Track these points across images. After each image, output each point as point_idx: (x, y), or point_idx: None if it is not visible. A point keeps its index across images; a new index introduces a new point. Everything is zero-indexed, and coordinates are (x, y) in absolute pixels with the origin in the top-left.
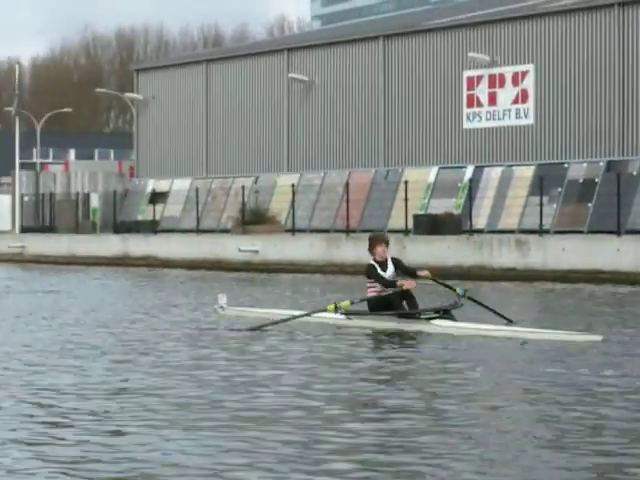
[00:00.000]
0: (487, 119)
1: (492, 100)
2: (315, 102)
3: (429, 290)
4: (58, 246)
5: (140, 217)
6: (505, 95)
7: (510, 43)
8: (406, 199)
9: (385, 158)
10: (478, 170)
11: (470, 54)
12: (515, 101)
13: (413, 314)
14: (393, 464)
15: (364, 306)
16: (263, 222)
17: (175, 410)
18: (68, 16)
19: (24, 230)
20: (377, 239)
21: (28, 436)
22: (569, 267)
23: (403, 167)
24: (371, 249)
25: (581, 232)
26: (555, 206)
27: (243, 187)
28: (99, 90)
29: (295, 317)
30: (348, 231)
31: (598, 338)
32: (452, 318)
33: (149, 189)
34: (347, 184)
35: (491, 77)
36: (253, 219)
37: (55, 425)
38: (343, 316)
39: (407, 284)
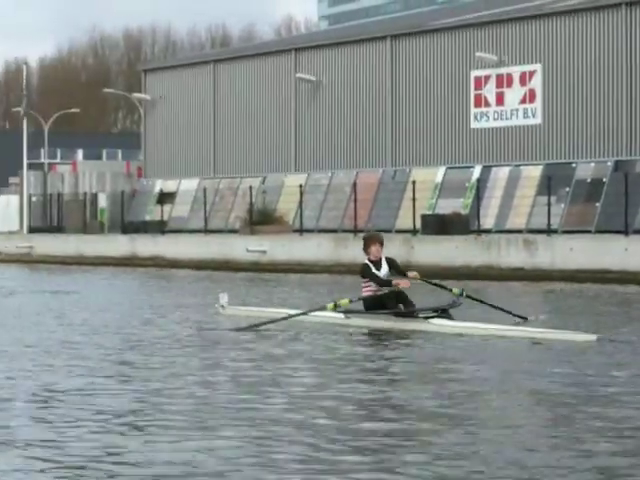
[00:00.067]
0: (495, 119)
1: (500, 100)
2: (322, 102)
3: (429, 289)
4: (66, 246)
5: (148, 217)
6: (513, 95)
7: (517, 43)
8: (414, 199)
9: (393, 158)
10: (486, 170)
11: (478, 54)
12: (523, 101)
13: (411, 313)
14: (402, 464)
15: (360, 305)
16: (271, 222)
17: (182, 411)
18: (76, 16)
19: (32, 230)
20: (371, 239)
21: (32, 437)
22: (577, 267)
23: (411, 167)
24: (366, 249)
25: (589, 232)
26: (563, 206)
27: (251, 187)
28: (107, 90)
29: (292, 316)
30: (356, 231)
31: (592, 337)
32: (450, 317)
33: (157, 189)
34: (355, 184)
35: (499, 77)
36: (261, 219)
37: (64, 426)
38: (341, 315)
39: (403, 283)
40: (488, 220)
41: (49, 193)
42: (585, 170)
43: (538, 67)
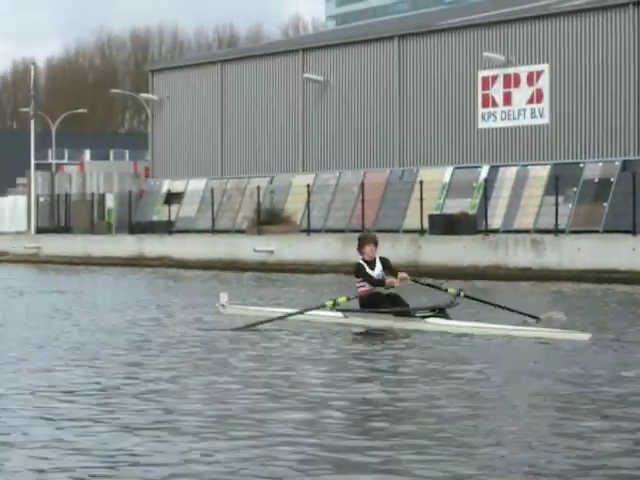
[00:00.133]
0: (502, 119)
1: (507, 100)
2: (330, 102)
3: (427, 289)
4: (73, 247)
5: (155, 217)
6: (520, 95)
7: (525, 43)
8: (421, 199)
9: (400, 158)
10: (493, 170)
11: (485, 54)
12: (530, 101)
13: (409, 312)
14: (409, 463)
15: (357, 304)
16: (278, 222)
17: (190, 411)
18: (83, 17)
19: (40, 231)
20: (366, 239)
21: (40, 436)
22: (584, 267)
23: (418, 167)
24: (360, 248)
25: (597, 232)
26: (570, 206)
27: (258, 187)
28: (114, 91)
29: (291, 314)
30: (363, 231)
31: (586, 337)
32: (447, 317)
33: (164, 189)
34: (362, 184)
35: (506, 77)
36: (268, 219)
37: (70, 426)
38: (340, 314)
39: (396, 282)
40: (496, 220)
41: (57, 193)
42: (593, 170)
43: (545, 67)
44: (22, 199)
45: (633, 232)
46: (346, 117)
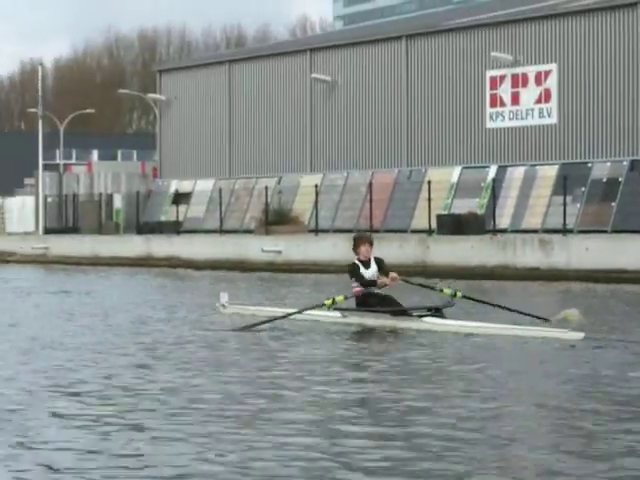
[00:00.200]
0: (510, 119)
1: (515, 100)
2: (338, 102)
3: (426, 290)
4: (81, 247)
5: (163, 218)
6: (528, 94)
7: (533, 42)
8: (429, 199)
9: (408, 158)
10: (501, 170)
11: (493, 54)
12: (538, 100)
13: (405, 311)
14: (417, 465)
15: (354, 303)
16: (286, 222)
17: (199, 411)
18: (91, 17)
19: (47, 231)
20: (361, 239)
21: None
22: (593, 267)
23: (426, 167)
24: (355, 249)
25: (605, 232)
26: (579, 205)
27: (266, 187)
28: (122, 91)
29: (291, 314)
30: (371, 231)
31: (580, 336)
32: (443, 316)
33: (172, 190)
34: (370, 184)
35: (514, 77)
36: (276, 219)
37: (78, 426)
38: (338, 313)
39: (388, 282)
40: (504, 220)
41: (64, 194)
42: (601, 170)
43: (553, 67)
44: (30, 199)
45: None
46: (354, 117)
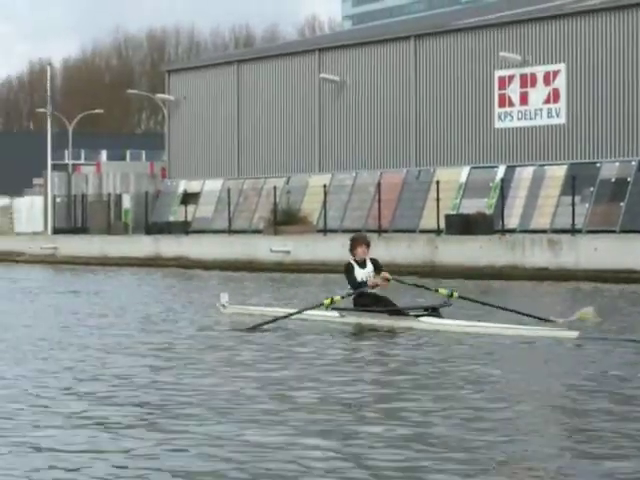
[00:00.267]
0: (519, 119)
1: (524, 100)
2: (346, 102)
3: (423, 290)
4: (90, 247)
5: (172, 218)
6: (537, 94)
7: (541, 43)
8: (438, 199)
9: (417, 158)
10: (510, 170)
11: (501, 54)
12: (547, 100)
13: (402, 311)
14: (424, 467)
15: (350, 302)
16: (295, 222)
17: (210, 410)
18: (99, 17)
19: (56, 231)
20: (358, 240)
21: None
22: (601, 267)
23: (435, 167)
24: (352, 249)
25: (613, 232)
26: (587, 206)
27: (275, 187)
28: (130, 91)
29: (291, 314)
30: (380, 231)
31: (574, 334)
32: (439, 316)
33: (181, 190)
34: (379, 184)
35: (522, 77)
36: (285, 219)
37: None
38: (336, 313)
39: (379, 282)
40: (512, 220)
41: (73, 194)
42: (609, 170)
43: (562, 67)
44: (39, 200)
45: None
46: (362, 117)
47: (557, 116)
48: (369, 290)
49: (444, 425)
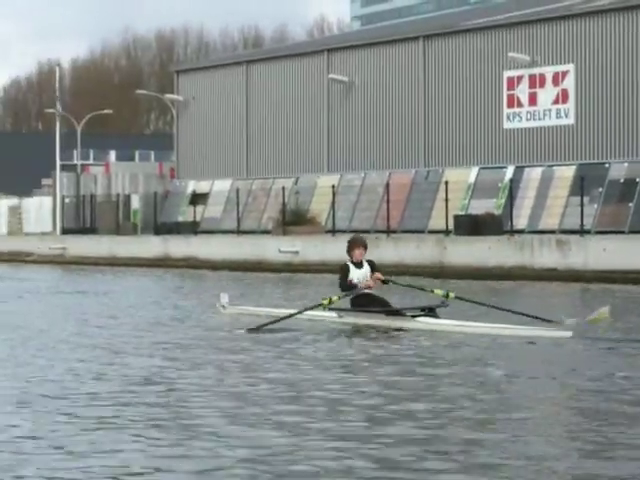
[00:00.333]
0: (527, 119)
1: (532, 100)
2: (355, 103)
3: (422, 291)
4: (99, 247)
5: (181, 218)
6: (545, 95)
7: (550, 43)
8: (446, 199)
9: (425, 159)
10: (519, 170)
11: (510, 54)
12: (555, 101)
13: (399, 311)
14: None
15: (348, 303)
16: (303, 223)
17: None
18: (108, 18)
19: (65, 231)
20: (356, 243)
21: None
22: (610, 267)
23: (443, 167)
24: (349, 251)
25: (622, 232)
26: (596, 206)
27: (283, 188)
28: (139, 91)
29: (292, 314)
30: (389, 232)
31: (568, 334)
32: (436, 316)
33: (189, 190)
34: (387, 185)
35: (531, 77)
36: (293, 220)
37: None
38: (334, 313)
39: (371, 283)
40: (521, 220)
41: (82, 194)
42: (618, 170)
43: (571, 67)
44: (47, 200)
45: None
46: (371, 118)
47: (566, 116)
48: (364, 291)
49: (452, 425)
